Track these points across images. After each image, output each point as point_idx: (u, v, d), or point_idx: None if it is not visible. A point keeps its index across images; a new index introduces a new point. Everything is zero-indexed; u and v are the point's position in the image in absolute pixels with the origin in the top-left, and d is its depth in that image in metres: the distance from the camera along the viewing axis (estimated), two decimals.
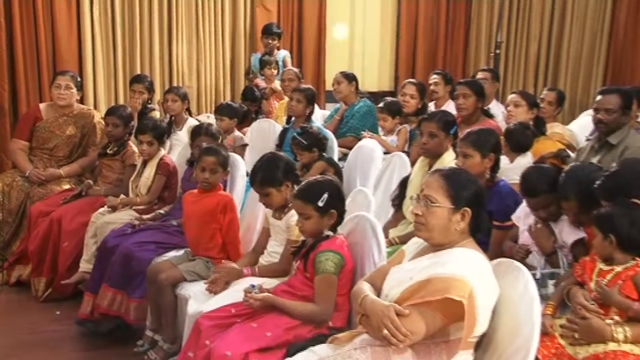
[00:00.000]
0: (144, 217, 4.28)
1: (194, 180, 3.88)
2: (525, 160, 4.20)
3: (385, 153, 4.94)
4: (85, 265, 4.33)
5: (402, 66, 8.42)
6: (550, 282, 2.91)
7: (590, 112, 4.67)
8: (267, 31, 7.06)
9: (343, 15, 8.32)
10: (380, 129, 5.52)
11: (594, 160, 3.91)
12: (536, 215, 3.09)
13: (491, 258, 2.47)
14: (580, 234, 2.95)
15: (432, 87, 6.02)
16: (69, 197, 4.74)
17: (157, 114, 5.71)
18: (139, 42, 6.81)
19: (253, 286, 2.98)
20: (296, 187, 3.15)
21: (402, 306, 2.27)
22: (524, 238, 3.16)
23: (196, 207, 3.72)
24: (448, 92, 5.89)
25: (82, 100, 5.82)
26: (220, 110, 5.28)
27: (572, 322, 2.56)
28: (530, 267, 2.71)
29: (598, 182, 2.77)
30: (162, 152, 4.59)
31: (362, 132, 5.41)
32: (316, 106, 5.74)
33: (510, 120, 4.85)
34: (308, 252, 2.93)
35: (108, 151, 4.85)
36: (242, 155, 4.80)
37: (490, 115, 5.07)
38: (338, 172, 4.55)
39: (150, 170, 4.48)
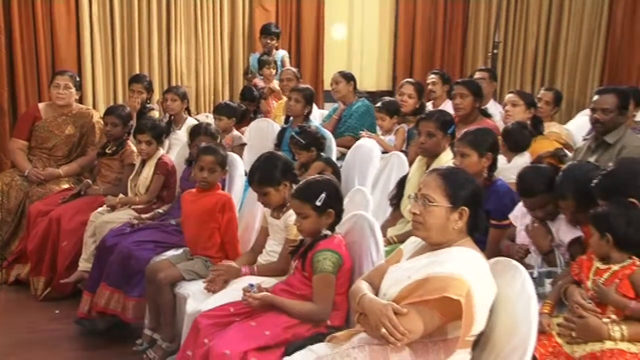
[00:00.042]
0: (143, 216, 4.29)
1: (192, 180, 3.88)
2: (523, 160, 4.21)
3: (383, 152, 4.94)
4: (84, 265, 4.34)
5: (400, 66, 8.44)
6: (548, 281, 2.92)
7: (587, 111, 4.68)
8: (266, 31, 7.07)
9: (341, 15, 8.33)
10: (378, 128, 5.52)
11: (591, 159, 3.92)
12: (533, 215, 3.10)
13: (489, 257, 2.48)
14: (577, 233, 2.97)
15: (429, 87, 6.03)
16: (68, 196, 4.74)
17: (156, 114, 5.72)
18: (138, 42, 6.82)
19: (252, 285, 2.99)
20: (294, 187, 3.15)
21: (400, 305, 2.28)
22: (521, 237, 3.16)
23: (195, 207, 3.73)
24: (446, 91, 5.90)
25: (81, 100, 5.83)
26: (219, 110, 5.29)
27: (569, 320, 2.57)
28: (527, 266, 2.72)
29: (595, 181, 2.78)
30: (161, 151, 4.60)
31: (360, 132, 5.41)
32: (314, 106, 5.74)
33: (508, 120, 4.85)
34: (306, 251, 2.94)
35: (107, 151, 4.85)
36: (241, 155, 4.82)
37: (487, 115, 5.08)
38: (336, 172, 4.56)
39: (149, 170, 4.49)
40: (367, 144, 4.94)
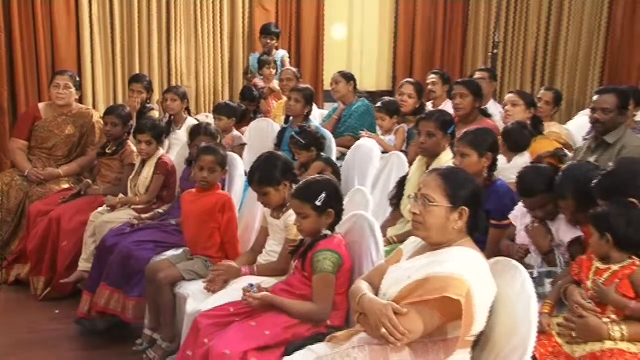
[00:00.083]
0: (143, 216, 4.29)
1: (192, 180, 3.88)
2: (523, 160, 4.22)
3: (383, 152, 4.94)
4: (84, 265, 4.34)
5: (400, 66, 8.45)
6: (548, 281, 2.92)
7: (587, 111, 4.68)
8: (266, 31, 7.07)
9: (341, 15, 8.34)
10: (378, 128, 5.52)
11: (591, 159, 3.92)
12: (533, 215, 3.10)
13: (488, 257, 2.48)
14: (577, 233, 2.97)
15: (429, 87, 6.03)
16: (68, 196, 4.74)
17: (156, 114, 5.73)
18: (138, 42, 6.82)
19: (252, 285, 2.99)
20: (294, 187, 3.15)
21: (400, 305, 2.28)
22: (521, 237, 3.16)
23: (195, 207, 3.73)
24: (446, 91, 5.90)
25: (81, 100, 5.83)
26: (219, 110, 5.30)
27: (569, 320, 2.57)
28: (527, 266, 2.72)
29: (595, 181, 2.79)
30: (161, 151, 4.60)
31: (360, 132, 5.41)
32: (314, 106, 5.74)
33: (508, 120, 4.86)
34: (306, 251, 2.94)
35: (107, 150, 4.85)
36: (241, 155, 4.82)
37: (487, 115, 5.08)
38: (336, 172, 4.56)
39: (148, 170, 4.49)
40: (367, 144, 4.94)
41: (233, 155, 4.31)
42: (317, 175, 3.33)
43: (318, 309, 2.85)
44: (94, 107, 6.35)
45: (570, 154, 4.44)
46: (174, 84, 6.85)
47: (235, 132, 5.31)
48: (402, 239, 3.40)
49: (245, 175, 4.12)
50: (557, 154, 4.41)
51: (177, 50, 7.07)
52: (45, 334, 4.10)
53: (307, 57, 7.90)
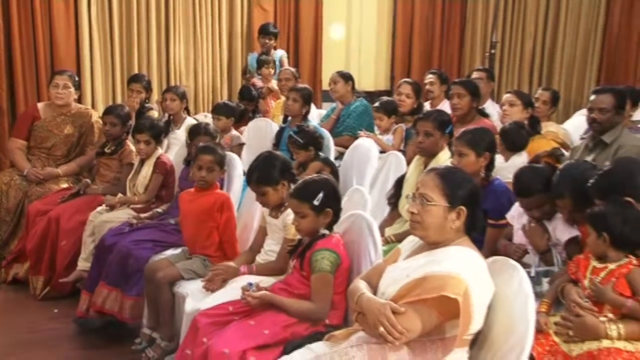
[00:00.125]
0: (142, 215, 4.30)
1: (191, 179, 3.89)
2: (521, 160, 4.23)
3: (381, 152, 4.95)
4: (83, 264, 4.34)
5: (398, 66, 8.46)
6: (545, 280, 2.93)
7: (584, 111, 4.69)
8: (264, 31, 7.08)
9: (339, 15, 8.35)
10: (376, 128, 5.53)
11: (588, 159, 3.93)
12: (530, 215, 3.11)
13: (486, 256, 2.49)
14: (574, 232, 2.98)
15: (427, 87, 6.03)
16: (67, 195, 4.75)
17: (155, 113, 5.72)
18: (137, 42, 6.81)
19: (250, 284, 2.99)
20: (292, 186, 3.16)
21: (398, 304, 2.29)
22: (519, 237, 3.18)
23: (193, 206, 3.74)
24: (443, 91, 5.90)
25: (80, 100, 5.82)
26: (218, 110, 5.30)
27: (567, 319, 2.58)
28: (524, 265, 2.72)
29: (592, 180, 2.80)
30: (160, 151, 4.60)
31: (359, 132, 5.42)
32: (312, 105, 5.75)
33: (506, 120, 4.87)
34: (304, 250, 2.94)
35: (106, 150, 4.86)
36: (239, 154, 4.82)
37: (485, 115, 5.09)
38: (334, 171, 4.56)
39: (147, 169, 4.49)
40: (365, 144, 4.95)
41: (231, 155, 4.32)
42: (315, 175, 3.33)
43: (316, 308, 2.86)
44: (93, 106, 6.34)
45: (567, 154, 4.45)
46: (172, 83, 6.85)
47: (234, 132, 5.32)
48: (400, 238, 3.40)
49: (244, 175, 4.13)
50: (554, 153, 4.43)
51: (176, 50, 7.07)
52: (44, 333, 4.10)
53: (305, 56, 7.91)
